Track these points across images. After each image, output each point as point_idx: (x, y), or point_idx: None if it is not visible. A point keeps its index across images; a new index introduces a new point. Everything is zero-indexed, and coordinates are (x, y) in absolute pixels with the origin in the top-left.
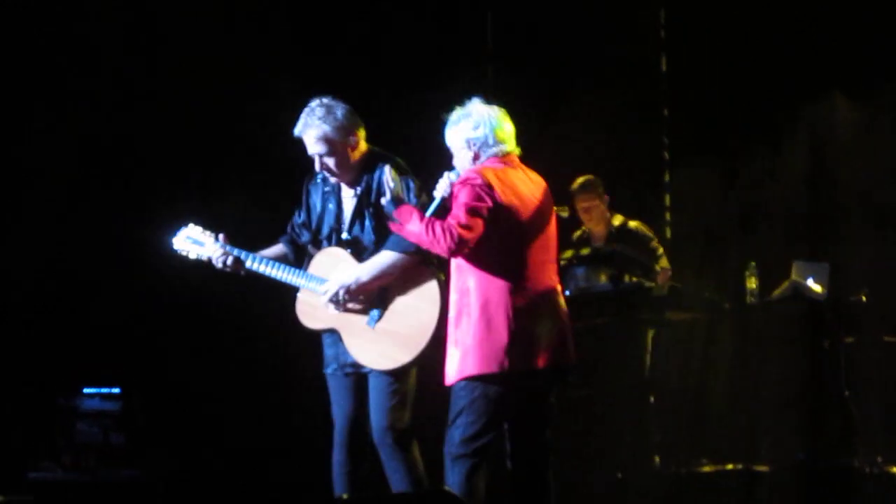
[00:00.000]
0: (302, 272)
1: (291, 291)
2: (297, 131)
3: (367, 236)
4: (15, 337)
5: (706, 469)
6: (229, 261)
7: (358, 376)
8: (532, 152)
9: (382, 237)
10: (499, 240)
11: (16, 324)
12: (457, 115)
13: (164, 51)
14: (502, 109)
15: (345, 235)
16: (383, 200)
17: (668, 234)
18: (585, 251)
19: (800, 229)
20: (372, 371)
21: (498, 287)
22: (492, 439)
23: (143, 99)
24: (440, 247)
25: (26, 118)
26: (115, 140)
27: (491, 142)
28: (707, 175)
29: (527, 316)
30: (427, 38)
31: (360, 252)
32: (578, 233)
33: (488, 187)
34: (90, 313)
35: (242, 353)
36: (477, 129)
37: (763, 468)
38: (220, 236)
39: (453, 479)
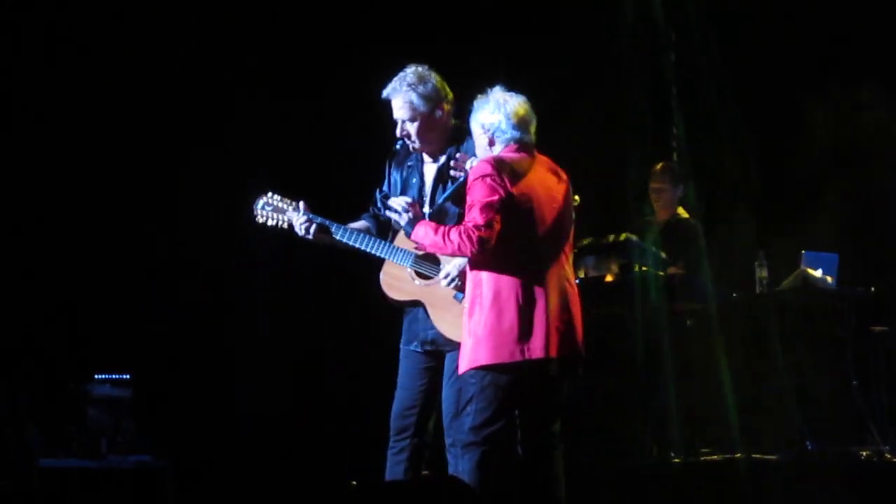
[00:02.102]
0: (388, 245)
1: (301, 277)
2: (385, 93)
3: (451, 208)
4: (26, 324)
5: (713, 458)
6: (313, 228)
7: (436, 356)
8: (549, 143)
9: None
10: (511, 230)
11: (27, 310)
12: (477, 100)
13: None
14: (523, 97)
15: (426, 209)
16: (402, 221)
17: None
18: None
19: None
20: (451, 352)
21: (509, 277)
22: (502, 427)
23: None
24: (463, 252)
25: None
26: (136, 129)
27: (505, 128)
28: (718, 162)
29: (538, 306)
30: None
31: (443, 224)
32: (624, 235)
33: (500, 178)
34: (101, 299)
35: (253, 339)
36: (493, 115)
37: (771, 457)
38: (301, 204)
39: (463, 467)
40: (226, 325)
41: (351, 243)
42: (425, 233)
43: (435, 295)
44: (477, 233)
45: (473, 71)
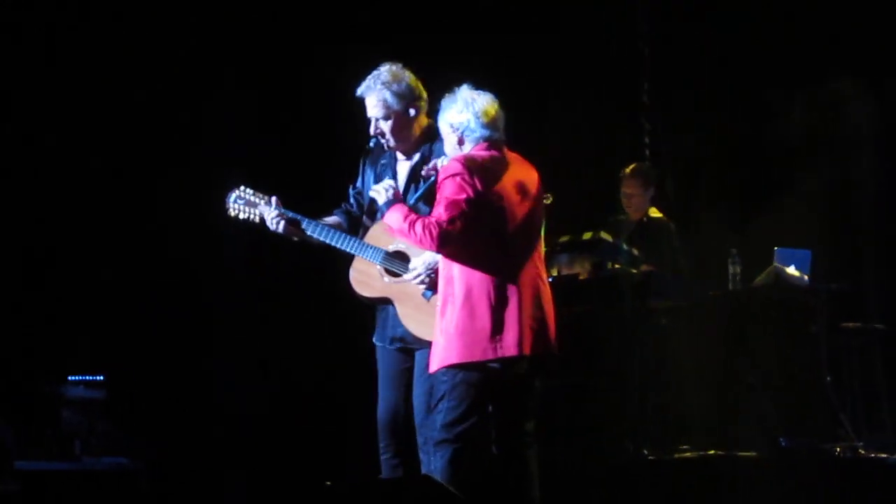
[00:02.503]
0: (358, 241)
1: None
2: (359, 91)
3: (423, 207)
4: None
5: (688, 456)
6: (283, 223)
7: (405, 353)
8: (520, 141)
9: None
10: (481, 228)
11: None
12: (445, 100)
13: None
14: (491, 95)
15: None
16: (381, 201)
17: None
18: (565, 238)
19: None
20: (420, 350)
21: (480, 275)
22: (474, 425)
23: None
24: (424, 245)
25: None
26: (107, 127)
27: (474, 126)
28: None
29: (510, 303)
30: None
31: None
32: (612, 218)
33: (469, 177)
34: (74, 301)
35: (229, 339)
36: (461, 114)
37: (745, 454)
38: (273, 199)
39: (436, 465)
40: (201, 325)
41: (321, 238)
42: (396, 217)
43: (404, 293)
44: (438, 228)
45: (445, 69)
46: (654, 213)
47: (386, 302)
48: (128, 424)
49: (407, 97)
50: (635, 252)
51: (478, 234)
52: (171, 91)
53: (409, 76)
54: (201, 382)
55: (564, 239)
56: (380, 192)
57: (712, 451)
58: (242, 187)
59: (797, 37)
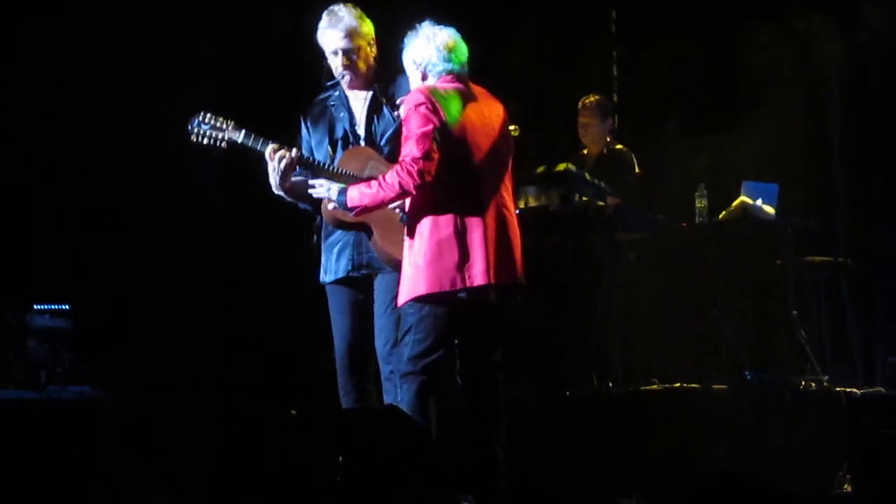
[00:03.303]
0: (337, 167)
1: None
2: (325, 25)
3: (382, 141)
4: None
5: (654, 388)
6: (259, 144)
7: (364, 286)
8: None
9: (396, 143)
10: (447, 160)
11: None
12: (407, 37)
13: None
14: (453, 29)
15: (361, 132)
16: (333, 195)
17: None
18: (540, 170)
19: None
20: (383, 275)
21: (447, 206)
22: (441, 357)
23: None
24: (406, 188)
25: None
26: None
27: (437, 60)
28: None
29: (476, 234)
30: None
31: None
32: (563, 165)
33: (433, 107)
34: (39, 229)
35: (195, 267)
36: (424, 49)
37: (711, 387)
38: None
39: (402, 397)
40: (169, 253)
41: (300, 169)
42: (359, 193)
43: (382, 217)
44: (416, 165)
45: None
46: (615, 145)
47: (363, 228)
48: (93, 354)
49: (369, 33)
50: (602, 185)
51: (443, 166)
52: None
53: (361, 11)
54: (169, 312)
55: (533, 171)
56: (320, 190)
57: (678, 384)
58: (203, 113)
59: None
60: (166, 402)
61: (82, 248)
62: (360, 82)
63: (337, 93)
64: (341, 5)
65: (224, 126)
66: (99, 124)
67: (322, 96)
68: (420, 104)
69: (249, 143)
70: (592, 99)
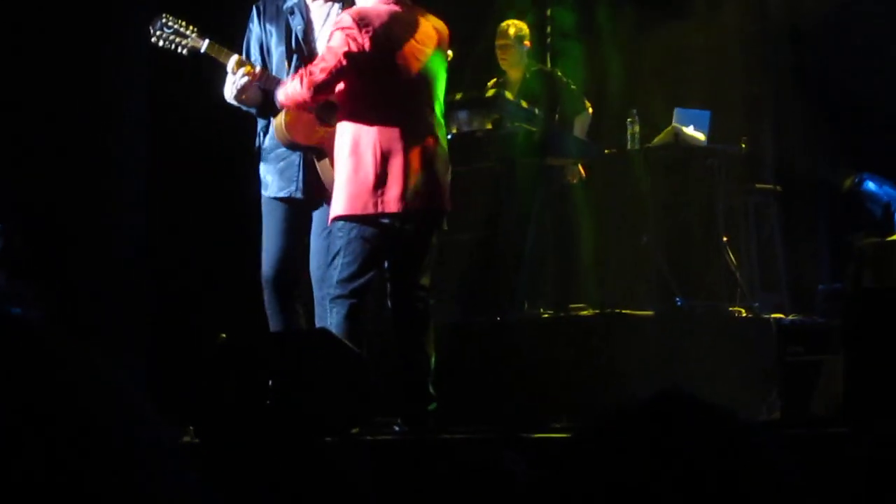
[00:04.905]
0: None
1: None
2: None
3: None
4: None
5: (584, 314)
6: (222, 56)
7: (302, 208)
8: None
9: None
10: (371, 82)
11: None
12: None
13: None
14: None
15: (320, 48)
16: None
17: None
18: (470, 94)
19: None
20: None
21: (368, 128)
22: (370, 280)
23: None
24: (298, 97)
25: None
26: None
27: None
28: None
29: (395, 158)
30: None
31: None
32: (493, 80)
33: (359, 31)
34: None
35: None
36: None
37: (641, 313)
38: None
39: (332, 320)
40: (98, 174)
41: (262, 78)
42: (281, 91)
43: (331, 144)
44: (309, 76)
45: None
46: (535, 65)
47: (315, 151)
48: (24, 274)
49: None
50: (536, 111)
51: (367, 89)
52: None
53: None
54: (98, 231)
55: (463, 96)
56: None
57: (608, 310)
58: (167, 15)
59: None
60: (99, 327)
61: (13, 167)
62: None
63: None
64: None
65: (187, 32)
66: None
67: None
68: (346, 27)
69: (212, 54)
70: (510, 22)
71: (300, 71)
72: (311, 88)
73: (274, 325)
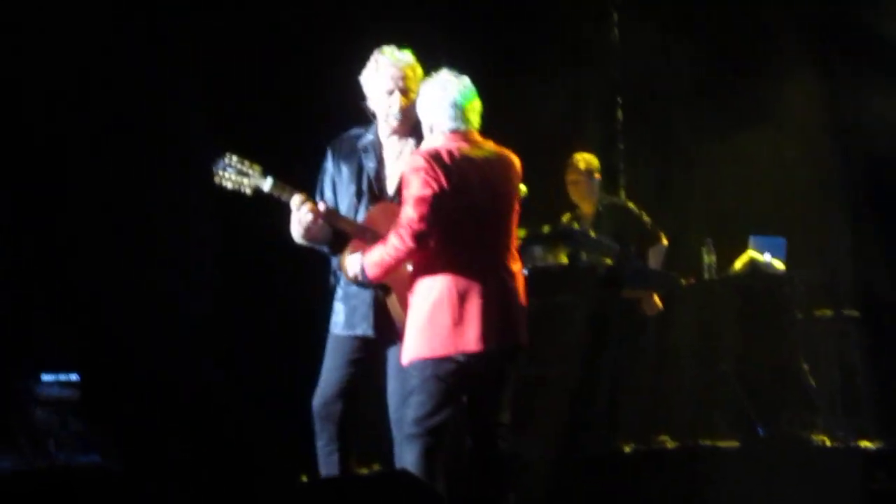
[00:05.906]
0: (363, 223)
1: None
2: (383, 62)
3: None
4: None
5: (668, 446)
6: (285, 194)
7: (371, 347)
8: (493, 126)
9: None
10: (444, 222)
11: None
12: (423, 85)
13: None
14: (466, 82)
15: (390, 188)
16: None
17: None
18: (545, 229)
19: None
20: (396, 344)
21: (444, 269)
22: (446, 418)
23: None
24: (402, 253)
25: None
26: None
27: (445, 119)
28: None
29: (473, 297)
30: None
31: None
32: (568, 216)
33: (434, 172)
34: (48, 298)
35: (203, 338)
36: (433, 106)
37: (726, 444)
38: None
39: (409, 459)
40: (173, 323)
41: (335, 220)
42: (371, 264)
43: (399, 281)
44: (411, 228)
45: (424, 55)
46: (607, 198)
47: (383, 288)
48: (102, 423)
49: (420, 75)
50: (610, 244)
51: (442, 230)
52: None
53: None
54: (174, 381)
55: (538, 230)
56: (346, 269)
57: (690, 442)
58: (230, 155)
59: None
60: (175, 472)
61: (91, 317)
62: (403, 128)
63: (371, 137)
64: (396, 49)
65: (250, 171)
66: (106, 189)
67: (352, 133)
68: (419, 168)
69: (276, 192)
70: (578, 155)
71: (392, 233)
72: (415, 238)
73: (321, 457)
